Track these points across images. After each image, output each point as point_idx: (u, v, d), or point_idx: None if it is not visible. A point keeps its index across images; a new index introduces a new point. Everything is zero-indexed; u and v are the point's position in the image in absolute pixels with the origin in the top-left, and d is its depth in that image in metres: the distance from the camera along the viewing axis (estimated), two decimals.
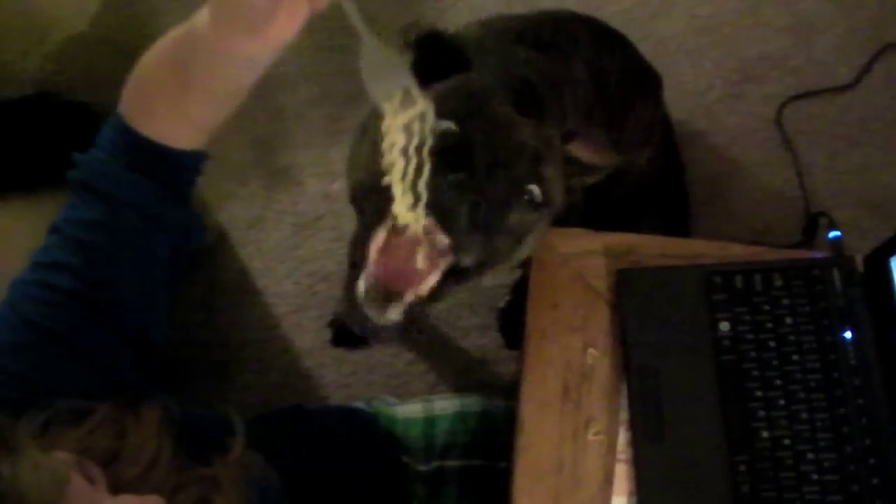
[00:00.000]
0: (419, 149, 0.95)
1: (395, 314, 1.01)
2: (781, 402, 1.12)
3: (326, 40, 2.21)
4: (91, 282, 0.90)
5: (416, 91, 0.93)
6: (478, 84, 1.13)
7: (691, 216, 2.00)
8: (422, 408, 1.35)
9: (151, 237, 0.95)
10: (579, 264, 1.23)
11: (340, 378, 1.89)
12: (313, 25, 2.32)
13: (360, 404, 1.37)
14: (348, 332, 1.90)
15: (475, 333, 1.91)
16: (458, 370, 1.89)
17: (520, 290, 1.44)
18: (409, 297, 1.01)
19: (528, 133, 1.08)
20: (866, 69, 2.15)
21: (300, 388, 1.88)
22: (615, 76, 1.50)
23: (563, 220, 1.31)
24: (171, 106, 0.93)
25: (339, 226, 1.99)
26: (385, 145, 0.95)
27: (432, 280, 1.01)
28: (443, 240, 0.99)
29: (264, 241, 2.02)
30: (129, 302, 0.93)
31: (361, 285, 1.01)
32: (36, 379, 0.87)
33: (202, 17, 0.88)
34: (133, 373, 0.94)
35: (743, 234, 2.00)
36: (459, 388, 1.84)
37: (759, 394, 1.13)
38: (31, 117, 1.49)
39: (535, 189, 1.06)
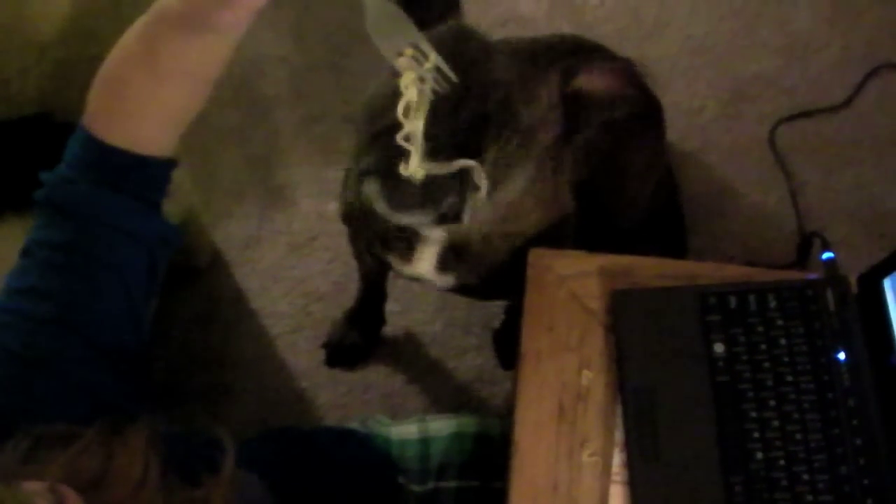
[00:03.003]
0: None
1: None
2: (776, 422, 1.12)
3: (323, 59, 2.23)
4: (67, 305, 0.90)
5: (425, 45, 0.95)
6: (461, 29, 1.15)
7: (686, 235, 2.00)
8: (417, 428, 1.35)
9: (125, 252, 0.94)
10: (575, 285, 1.23)
11: (335, 398, 1.89)
12: (309, 44, 2.32)
13: (355, 425, 1.37)
14: (342, 353, 1.90)
15: (471, 353, 1.91)
16: (454, 390, 1.89)
17: (514, 311, 1.44)
18: None
19: (510, 75, 1.11)
20: (859, 89, 2.16)
21: (295, 408, 1.88)
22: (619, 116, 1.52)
23: (557, 240, 1.32)
24: (143, 100, 0.92)
25: (334, 246, 2.00)
26: (400, 108, 1.00)
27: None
28: None
29: (259, 261, 2.02)
30: (108, 321, 0.92)
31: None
32: (18, 406, 0.86)
33: None
34: (118, 392, 0.93)
35: (738, 253, 2.00)
36: (455, 408, 1.84)
37: (754, 415, 1.13)
38: (30, 138, 1.49)
39: (520, 112, 1.09)
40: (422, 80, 0.98)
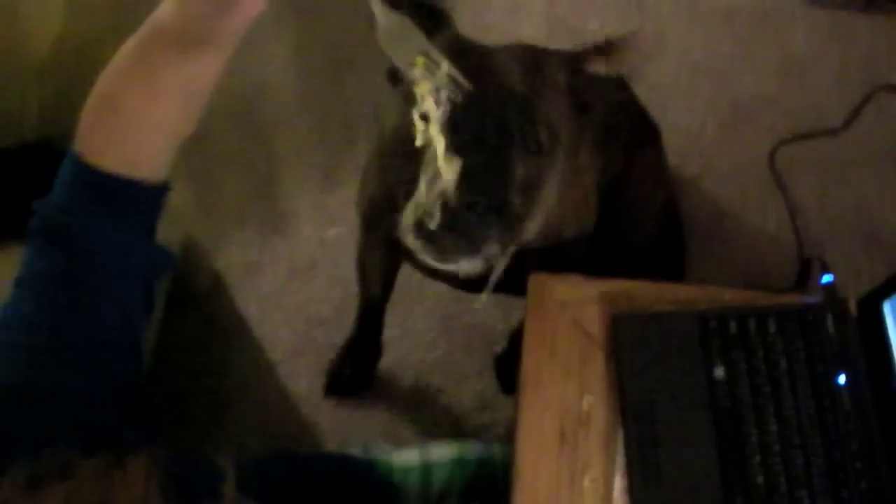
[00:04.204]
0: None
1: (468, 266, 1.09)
2: (777, 446, 1.12)
3: (324, 84, 2.24)
4: (63, 335, 0.89)
5: (435, 53, 0.96)
6: (463, 40, 1.16)
7: (686, 256, 2.00)
8: (418, 454, 1.34)
9: (120, 279, 0.92)
10: (575, 311, 1.24)
11: (336, 424, 1.88)
12: (310, 68, 2.32)
13: (355, 451, 1.37)
14: (342, 382, 1.90)
15: (472, 378, 1.91)
16: (455, 415, 1.88)
17: (516, 337, 1.44)
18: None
19: (516, 79, 1.11)
20: (858, 110, 2.17)
21: (296, 434, 1.88)
22: (624, 120, 1.52)
23: (567, 263, 1.32)
24: (138, 121, 0.91)
25: (336, 271, 2.00)
26: (417, 119, 1.00)
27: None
28: None
29: (260, 286, 2.02)
30: (104, 349, 0.92)
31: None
32: (17, 438, 0.85)
33: (163, 13, 0.88)
34: (117, 420, 0.92)
35: (738, 274, 2.01)
36: (456, 433, 1.84)
37: (754, 439, 1.13)
38: (31, 166, 1.50)
39: (538, 132, 1.09)
40: (437, 90, 0.99)
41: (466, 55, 1.10)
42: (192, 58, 0.89)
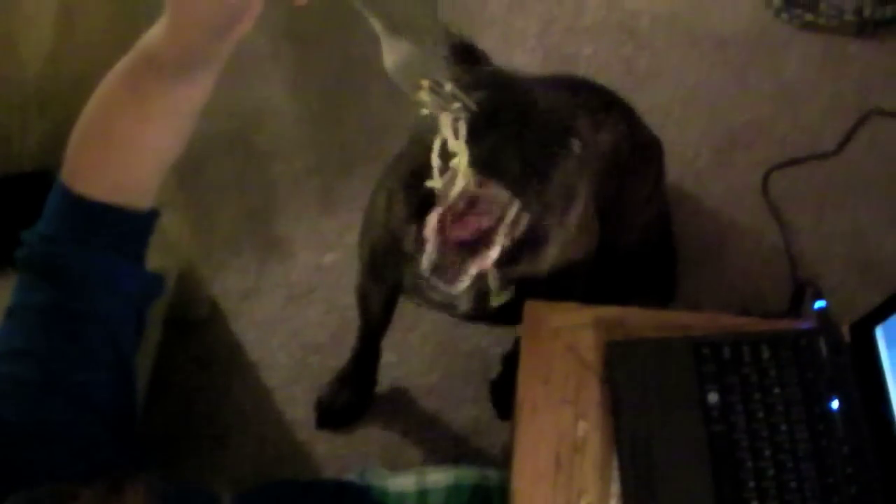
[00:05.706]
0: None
1: (463, 284, 1.10)
2: (771, 471, 1.13)
3: (321, 110, 2.25)
4: (55, 366, 0.88)
5: (440, 76, 0.98)
6: (502, 72, 1.19)
7: (678, 281, 2.01)
8: (415, 480, 1.34)
9: (110, 308, 0.92)
10: (570, 337, 1.24)
11: (334, 449, 1.88)
12: (305, 96, 2.32)
13: (352, 477, 1.37)
14: (333, 414, 1.89)
15: (468, 404, 1.91)
16: (452, 440, 1.88)
17: (511, 362, 1.44)
18: (476, 265, 1.09)
19: (551, 100, 1.15)
20: (850, 135, 2.18)
21: (293, 460, 1.87)
22: (625, 144, 1.54)
23: (569, 286, 1.33)
24: (128, 147, 0.90)
25: (332, 297, 2.00)
26: (436, 147, 1.03)
27: (496, 248, 1.10)
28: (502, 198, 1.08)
29: (257, 312, 2.03)
30: (97, 378, 0.91)
31: (426, 262, 1.08)
32: (12, 470, 0.84)
33: (153, 40, 0.86)
34: (113, 448, 0.92)
35: (732, 299, 2.01)
36: (453, 459, 1.84)
37: (749, 464, 1.13)
38: (30, 194, 1.50)
39: (573, 141, 1.12)
40: (456, 119, 1.01)
41: (503, 83, 1.13)
42: (185, 82, 0.88)
